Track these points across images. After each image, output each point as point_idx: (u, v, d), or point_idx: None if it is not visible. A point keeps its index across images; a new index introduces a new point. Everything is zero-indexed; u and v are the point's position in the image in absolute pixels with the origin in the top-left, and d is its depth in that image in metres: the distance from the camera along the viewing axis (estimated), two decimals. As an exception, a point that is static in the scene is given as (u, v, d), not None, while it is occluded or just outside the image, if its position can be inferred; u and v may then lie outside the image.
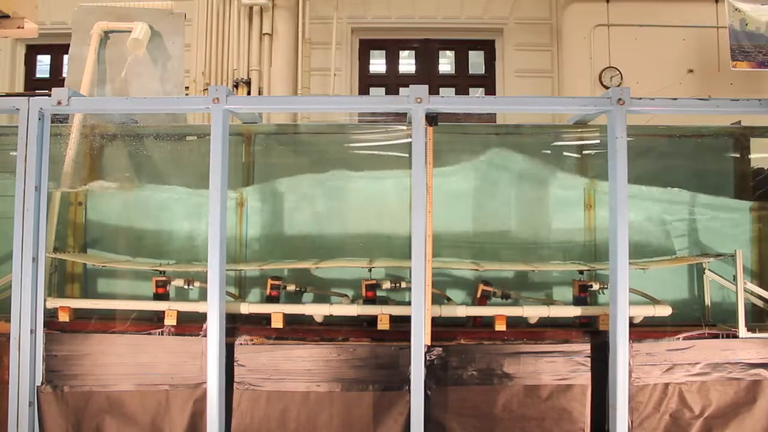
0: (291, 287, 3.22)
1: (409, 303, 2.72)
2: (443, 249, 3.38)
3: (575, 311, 3.02)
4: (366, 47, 7.72)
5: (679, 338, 2.92)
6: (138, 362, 2.91)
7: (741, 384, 2.89)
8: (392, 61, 7.78)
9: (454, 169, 3.46)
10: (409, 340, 2.67)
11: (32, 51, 7.69)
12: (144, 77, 3.78)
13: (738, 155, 3.60)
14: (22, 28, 3.28)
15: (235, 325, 2.97)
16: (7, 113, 2.92)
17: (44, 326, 2.84)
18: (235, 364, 2.88)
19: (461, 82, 7.72)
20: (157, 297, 3.15)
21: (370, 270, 3.11)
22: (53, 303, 3.02)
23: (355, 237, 3.47)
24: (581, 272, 3.15)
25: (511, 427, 2.86)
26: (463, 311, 3.03)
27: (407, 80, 7.40)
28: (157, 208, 3.51)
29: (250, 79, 6.12)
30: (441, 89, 7.35)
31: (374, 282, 3.10)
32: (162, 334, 2.95)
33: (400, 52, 7.81)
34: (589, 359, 2.89)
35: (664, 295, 3.19)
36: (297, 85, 6.37)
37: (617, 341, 2.64)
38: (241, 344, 2.90)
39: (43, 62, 7.76)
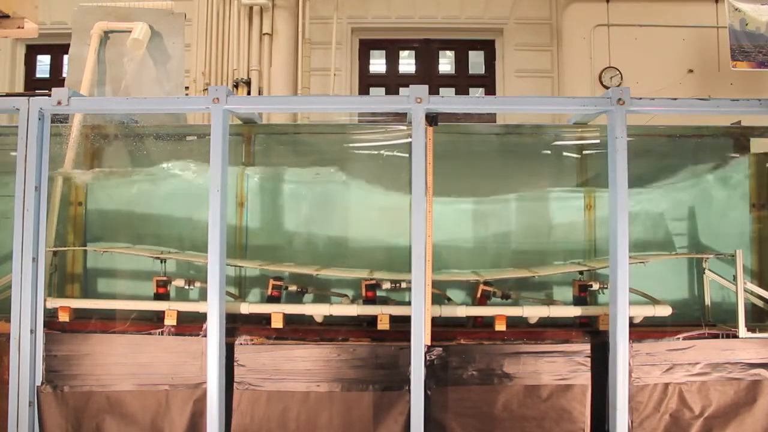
0: (292, 287, 3.22)
1: (409, 303, 2.73)
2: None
3: (575, 311, 3.02)
4: (366, 47, 7.71)
5: (679, 338, 2.92)
6: (138, 362, 2.91)
7: (741, 384, 2.89)
8: (392, 61, 7.77)
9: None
10: (409, 340, 2.67)
11: (32, 51, 7.68)
12: (144, 77, 3.78)
13: (738, 155, 3.60)
14: (22, 28, 3.27)
15: (235, 325, 2.97)
16: (7, 113, 2.92)
17: (44, 326, 2.84)
18: (235, 364, 2.88)
19: (461, 82, 7.71)
20: (158, 297, 3.15)
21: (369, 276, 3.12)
22: (53, 303, 3.02)
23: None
24: (581, 273, 3.16)
25: (511, 427, 2.86)
26: (463, 311, 3.03)
27: (407, 80, 7.38)
28: (157, 208, 3.50)
29: (250, 79, 6.12)
30: (441, 89, 7.34)
31: (374, 282, 3.10)
32: (162, 334, 2.95)
33: (400, 52, 7.80)
34: (589, 359, 2.89)
35: (664, 295, 3.19)
36: (297, 85, 6.36)
37: (617, 341, 2.64)
38: (241, 344, 2.90)
39: (43, 62, 7.75)
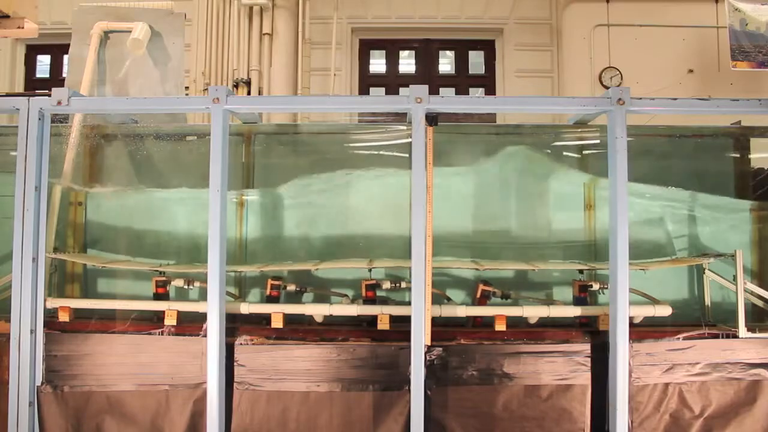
0: (291, 287, 3.22)
1: (409, 303, 2.73)
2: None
3: (575, 311, 3.02)
4: (366, 47, 7.72)
5: (679, 338, 2.92)
6: (138, 362, 2.91)
7: (741, 384, 2.89)
8: (392, 61, 7.78)
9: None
10: (409, 340, 2.67)
11: (32, 51, 7.69)
12: (144, 77, 3.78)
13: (738, 155, 3.60)
14: (22, 28, 3.27)
15: (235, 325, 2.97)
16: (7, 113, 2.92)
17: (44, 326, 2.84)
18: (235, 364, 2.88)
19: (461, 82, 7.72)
20: (157, 297, 3.15)
21: (370, 270, 3.11)
22: (53, 303, 3.02)
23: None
24: (581, 272, 3.15)
25: (511, 427, 2.86)
26: (463, 311, 3.03)
27: (407, 80, 7.40)
28: (157, 209, 3.50)
29: (250, 79, 6.13)
30: (441, 89, 7.35)
31: (374, 282, 3.10)
32: (162, 334, 2.95)
33: (400, 52, 7.81)
34: (589, 359, 2.89)
35: (664, 295, 3.19)
36: (297, 85, 6.37)
37: (617, 341, 2.64)
38: (241, 344, 2.90)
39: (43, 62, 7.76)
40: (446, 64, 7.91)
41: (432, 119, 2.76)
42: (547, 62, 7.35)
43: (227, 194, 2.76)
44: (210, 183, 2.70)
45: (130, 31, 3.70)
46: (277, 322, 2.98)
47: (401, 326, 2.84)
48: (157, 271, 3.16)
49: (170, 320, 2.96)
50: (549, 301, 3.22)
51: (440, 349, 2.87)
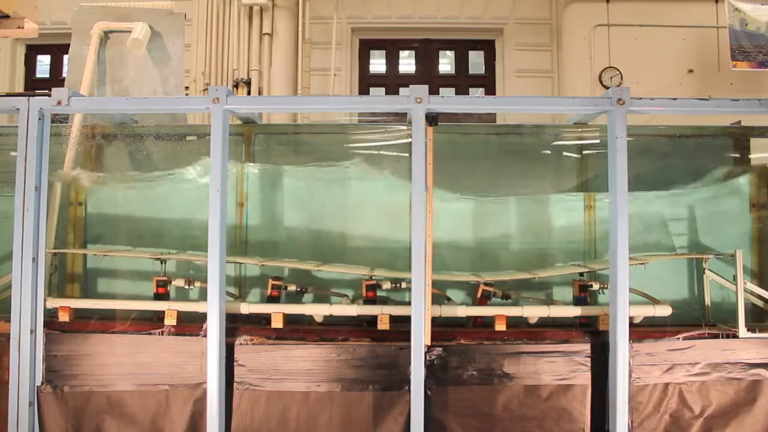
0: (292, 287, 3.22)
1: (409, 303, 2.73)
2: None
3: (575, 311, 3.02)
4: (366, 47, 7.71)
5: (679, 338, 2.92)
6: (138, 362, 2.91)
7: (741, 384, 2.89)
8: (392, 61, 7.77)
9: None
10: (409, 340, 2.67)
11: (32, 51, 7.68)
12: (144, 77, 3.78)
13: (738, 155, 3.60)
14: (22, 28, 3.27)
15: (235, 325, 2.97)
16: (7, 113, 2.92)
17: (44, 326, 2.84)
18: (235, 364, 2.88)
19: (461, 82, 7.71)
20: (157, 297, 3.15)
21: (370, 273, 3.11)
22: (53, 303, 3.02)
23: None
24: (581, 274, 3.15)
25: (511, 427, 2.86)
26: (463, 311, 3.03)
27: (407, 80, 7.39)
28: (157, 208, 3.50)
29: (250, 79, 6.13)
30: (441, 89, 7.34)
31: (374, 282, 3.10)
32: (162, 334, 2.95)
33: (400, 52, 7.81)
34: (589, 359, 2.89)
35: (664, 295, 3.19)
36: (297, 85, 6.37)
37: (617, 341, 2.64)
38: (241, 344, 2.90)
39: (43, 62, 7.75)
40: (446, 64, 7.90)
41: (432, 119, 2.76)
42: (547, 62, 7.34)
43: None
44: (210, 183, 2.70)
45: (130, 31, 3.70)
46: (277, 322, 2.98)
47: (401, 326, 2.84)
48: (158, 259, 3.15)
49: (170, 320, 2.96)
50: (549, 301, 3.22)
51: (440, 349, 2.87)
